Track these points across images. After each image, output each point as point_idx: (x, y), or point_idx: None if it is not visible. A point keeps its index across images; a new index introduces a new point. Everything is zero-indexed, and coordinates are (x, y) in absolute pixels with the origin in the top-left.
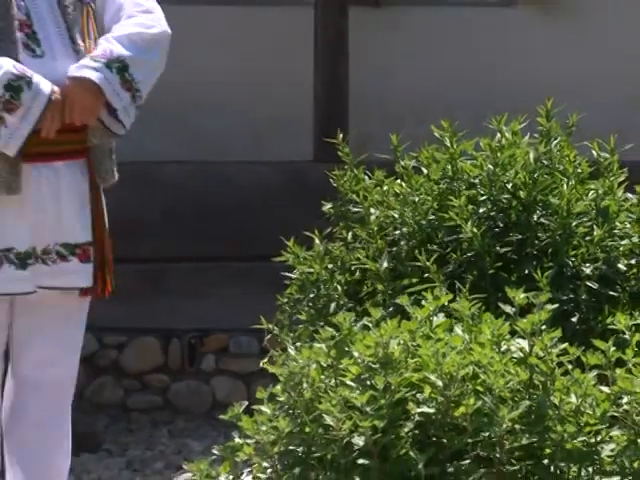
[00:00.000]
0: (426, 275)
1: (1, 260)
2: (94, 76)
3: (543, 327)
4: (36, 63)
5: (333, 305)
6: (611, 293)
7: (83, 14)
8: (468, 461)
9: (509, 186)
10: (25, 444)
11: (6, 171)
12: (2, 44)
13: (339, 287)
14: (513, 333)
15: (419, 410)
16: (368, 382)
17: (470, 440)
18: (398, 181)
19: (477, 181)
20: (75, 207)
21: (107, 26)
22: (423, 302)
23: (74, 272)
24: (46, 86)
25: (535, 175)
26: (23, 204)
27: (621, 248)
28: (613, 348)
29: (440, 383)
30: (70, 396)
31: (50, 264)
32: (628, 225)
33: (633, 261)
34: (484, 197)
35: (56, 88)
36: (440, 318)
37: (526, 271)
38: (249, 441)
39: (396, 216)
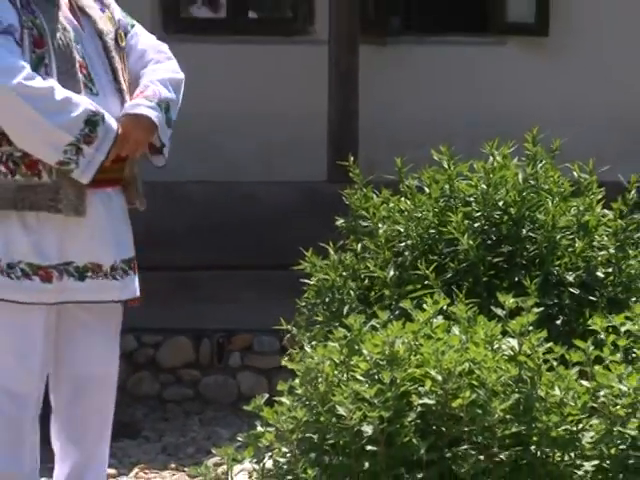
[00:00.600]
0: (427, 282)
1: (62, 273)
2: (151, 114)
3: (530, 328)
4: (93, 100)
5: (346, 308)
6: (591, 298)
7: (121, 58)
8: (464, 447)
9: (500, 203)
10: (75, 432)
11: (74, 196)
12: (69, 83)
13: (351, 292)
14: (504, 333)
15: (421, 402)
16: (376, 377)
17: (466, 428)
18: (402, 199)
19: (472, 199)
20: (125, 227)
21: (130, 68)
22: (424, 306)
23: (132, 284)
24: (113, 121)
25: (523, 194)
26: (82, 224)
27: (599, 258)
28: (592, 347)
29: (439, 378)
30: (114, 388)
31: (119, 279)
32: (606, 238)
33: (610, 270)
34: (478, 213)
35: (117, 123)
36: (439, 320)
37: (516, 279)
38: (270, 429)
39: (401, 230)
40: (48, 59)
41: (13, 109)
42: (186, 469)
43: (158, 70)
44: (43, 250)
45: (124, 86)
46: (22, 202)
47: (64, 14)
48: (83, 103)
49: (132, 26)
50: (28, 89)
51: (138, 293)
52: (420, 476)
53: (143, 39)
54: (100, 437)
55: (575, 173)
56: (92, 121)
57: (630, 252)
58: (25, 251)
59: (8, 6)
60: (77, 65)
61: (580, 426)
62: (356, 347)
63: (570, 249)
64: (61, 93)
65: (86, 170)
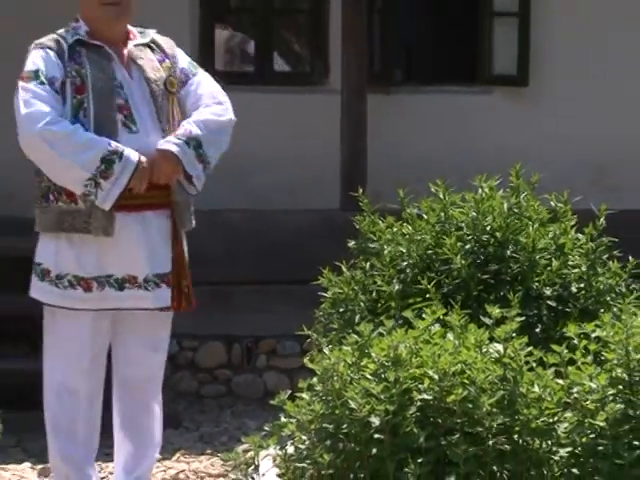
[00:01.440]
0: (426, 295)
1: (103, 284)
2: (175, 149)
3: (514, 335)
4: (132, 138)
5: (357, 317)
6: (565, 309)
7: (169, 101)
8: (457, 436)
9: (488, 228)
10: (127, 425)
11: (104, 219)
12: (105, 124)
13: (361, 304)
14: (491, 339)
15: (420, 397)
16: (382, 376)
17: (459, 420)
18: (404, 224)
19: (464, 224)
20: (161, 245)
21: (188, 111)
22: (424, 315)
23: (164, 295)
24: (134, 157)
25: (507, 220)
26: (119, 242)
27: (573, 275)
28: (566, 351)
29: (436, 377)
30: (159, 386)
31: (150, 290)
32: (578, 258)
33: (582, 285)
34: (469, 237)
35: (143, 158)
36: (436, 327)
37: (501, 293)
38: (292, 420)
39: (403, 251)
40: (87, 103)
41: (39, 151)
42: (219, 454)
43: (202, 112)
44: (84, 264)
45: (167, 126)
46: (64, 224)
47: (114, 65)
48: (101, 144)
49: (194, 74)
50: (50, 133)
51: (169, 303)
52: (420, 461)
53: (203, 86)
54: (149, 430)
55: (552, 202)
56: (108, 160)
57: (599, 270)
58: (71, 265)
59: (54, 60)
60: (116, 108)
61: (556, 418)
62: (366, 350)
63: (548, 267)
64: (81, 136)
65: (105, 200)
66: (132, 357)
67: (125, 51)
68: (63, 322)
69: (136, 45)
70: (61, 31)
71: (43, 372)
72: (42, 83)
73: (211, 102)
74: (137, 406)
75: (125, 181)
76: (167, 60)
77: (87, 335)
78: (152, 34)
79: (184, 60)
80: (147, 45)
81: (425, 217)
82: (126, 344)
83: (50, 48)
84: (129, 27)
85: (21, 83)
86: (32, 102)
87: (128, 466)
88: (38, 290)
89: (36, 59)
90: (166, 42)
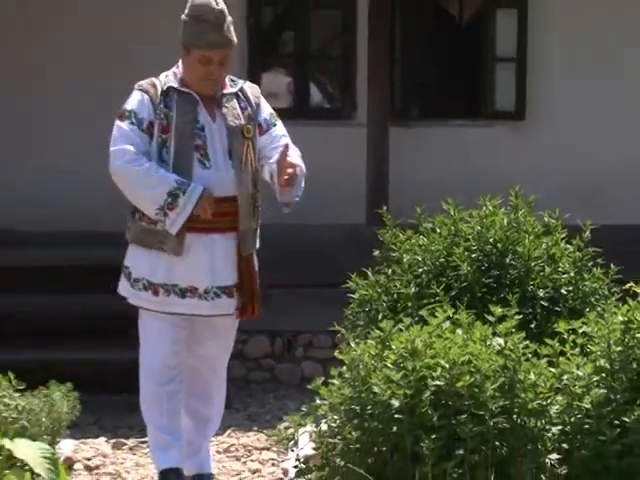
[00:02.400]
0: (438, 297)
1: (169, 291)
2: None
3: (513, 330)
4: (204, 173)
5: (380, 315)
6: (556, 309)
7: (243, 145)
8: (465, 416)
9: (491, 240)
10: (196, 401)
11: (175, 241)
12: (183, 160)
13: (383, 304)
14: (494, 334)
15: (434, 383)
16: (401, 365)
17: (466, 403)
18: (421, 237)
19: (470, 237)
20: (225, 263)
21: (267, 151)
22: (436, 314)
23: (224, 305)
24: (198, 191)
25: (507, 233)
26: (186, 259)
27: (563, 280)
28: (557, 344)
29: (447, 366)
30: (223, 379)
31: (209, 300)
32: (567, 265)
33: (570, 288)
34: (475, 247)
35: (208, 191)
36: (447, 324)
37: (502, 294)
38: (325, 402)
39: (419, 259)
40: (169, 142)
41: (120, 182)
42: (264, 431)
43: (295, 153)
44: (156, 272)
45: (238, 164)
46: (144, 240)
47: (199, 110)
48: (168, 181)
49: (274, 125)
50: (127, 170)
51: (230, 311)
52: (433, 437)
53: (279, 134)
54: (209, 415)
55: (545, 218)
56: (174, 194)
57: (585, 276)
58: (146, 271)
59: (147, 104)
60: (194, 147)
61: (549, 401)
62: (387, 344)
63: (541, 273)
64: (152, 174)
65: (172, 226)
66: (202, 353)
67: (214, 101)
68: (146, 318)
69: (225, 94)
70: (161, 76)
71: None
72: (132, 123)
73: (285, 141)
74: (201, 395)
75: (189, 211)
76: (249, 108)
77: (166, 331)
78: (242, 83)
79: (267, 111)
80: (235, 95)
81: (438, 230)
82: (199, 342)
83: (147, 92)
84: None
85: (117, 121)
86: (120, 140)
87: (193, 441)
88: (122, 288)
89: (133, 100)
90: (253, 92)
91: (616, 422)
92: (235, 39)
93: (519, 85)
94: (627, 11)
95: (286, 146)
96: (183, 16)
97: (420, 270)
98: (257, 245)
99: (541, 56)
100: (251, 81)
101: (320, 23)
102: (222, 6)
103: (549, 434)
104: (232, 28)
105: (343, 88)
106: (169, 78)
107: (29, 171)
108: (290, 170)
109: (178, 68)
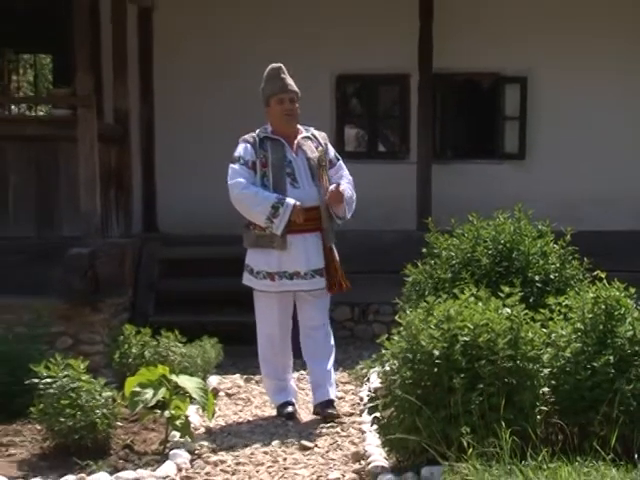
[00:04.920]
0: (466, 281)
1: (281, 276)
2: (347, 195)
3: (516, 303)
4: (295, 191)
5: (426, 292)
6: (547, 289)
7: (319, 170)
8: (483, 361)
9: (502, 242)
10: (315, 352)
11: (280, 240)
12: (279, 184)
13: (428, 285)
14: (504, 305)
15: (462, 339)
16: (440, 326)
17: (485, 352)
18: (454, 239)
19: (488, 239)
20: (315, 253)
21: (329, 175)
22: (464, 292)
23: (317, 282)
24: (291, 203)
25: (513, 237)
26: (289, 252)
27: (551, 269)
28: (548, 312)
29: (471, 327)
30: (328, 331)
31: (308, 279)
32: (554, 259)
33: (556, 274)
34: (491, 246)
35: (298, 203)
36: (472, 299)
37: (509, 279)
38: (388, 352)
39: (453, 254)
40: (268, 173)
41: (238, 205)
42: (347, 371)
43: (349, 186)
44: (270, 264)
45: (318, 183)
46: (259, 242)
47: (286, 150)
48: (271, 198)
49: (338, 160)
50: (243, 194)
51: (322, 287)
52: (462, 375)
53: (342, 169)
54: (325, 355)
55: (539, 226)
56: (275, 206)
57: (567, 266)
58: (263, 265)
59: (250, 150)
60: (286, 174)
61: (541, 351)
62: (430, 312)
63: (537, 264)
64: (260, 195)
65: (277, 229)
66: (308, 316)
67: (295, 141)
68: (262, 299)
69: (302, 137)
70: (258, 130)
71: (256, 326)
72: (242, 164)
73: (344, 174)
74: (315, 343)
75: (287, 218)
76: (320, 147)
77: (276, 306)
78: (312, 130)
79: (332, 152)
80: (308, 137)
81: (465, 235)
82: (303, 310)
83: (248, 142)
84: (298, 126)
85: (231, 164)
86: (234, 176)
87: (317, 378)
88: (247, 280)
89: (240, 149)
90: (321, 136)
91: (588, 366)
92: (296, 88)
93: (521, 136)
94: (595, 85)
95: (337, 184)
96: (262, 84)
97: (453, 262)
98: (334, 240)
99: (536, 117)
100: (336, 134)
101: (385, 94)
102: (280, 65)
103: (542, 374)
104: (290, 78)
105: (400, 138)
106: (262, 131)
107: (185, 198)
108: (333, 190)
109: (267, 124)
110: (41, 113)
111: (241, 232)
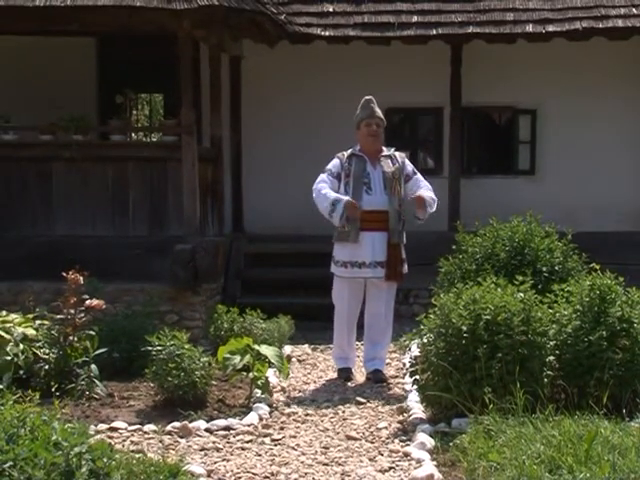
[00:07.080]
0: (487, 271)
1: (353, 265)
2: (427, 198)
3: (528, 289)
4: (369, 197)
5: (455, 280)
6: (552, 278)
7: (393, 182)
8: (502, 335)
9: (516, 239)
10: (374, 336)
11: (354, 235)
12: (357, 191)
13: (457, 274)
14: (518, 291)
15: (485, 317)
16: (467, 307)
17: (503, 328)
18: (478, 237)
19: (505, 238)
20: (380, 248)
21: (411, 191)
22: (487, 280)
23: (379, 272)
24: (343, 200)
25: (525, 236)
26: (360, 246)
27: (556, 262)
28: (553, 297)
29: (492, 308)
30: (390, 318)
31: (372, 268)
32: (559, 254)
33: (560, 266)
34: (508, 244)
35: (353, 201)
36: (492, 286)
37: (522, 269)
38: (425, 327)
39: (477, 250)
40: (349, 182)
41: (316, 203)
42: (392, 342)
43: (429, 192)
44: (346, 255)
45: (390, 192)
46: (340, 237)
47: (367, 164)
48: (330, 197)
49: (415, 174)
50: (317, 195)
51: (383, 276)
52: (484, 347)
53: (420, 180)
54: (384, 337)
55: (546, 228)
56: (333, 203)
57: (568, 260)
58: (342, 256)
59: (338, 164)
60: (363, 183)
61: (548, 327)
62: (460, 296)
63: (544, 258)
64: (326, 195)
65: (337, 222)
66: (372, 305)
67: (376, 158)
68: (338, 282)
69: (383, 155)
70: (349, 150)
71: (334, 306)
72: (328, 174)
73: (424, 184)
74: (373, 331)
75: (341, 212)
76: (397, 164)
77: (346, 289)
78: (392, 150)
79: (410, 167)
80: (389, 156)
81: (487, 235)
82: (369, 299)
83: (339, 158)
84: (383, 147)
85: (321, 174)
86: (319, 181)
87: (370, 356)
88: (332, 268)
89: (332, 162)
90: (400, 156)
91: (585, 339)
92: (381, 115)
93: (531, 157)
94: (595, 118)
95: (420, 190)
96: (357, 112)
97: (477, 256)
98: (404, 240)
99: (544, 141)
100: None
101: (423, 123)
102: (371, 97)
103: (548, 345)
104: (378, 108)
105: (435, 157)
106: (351, 151)
107: (265, 205)
108: (418, 197)
109: (356, 145)
110: (154, 139)
111: (307, 232)
